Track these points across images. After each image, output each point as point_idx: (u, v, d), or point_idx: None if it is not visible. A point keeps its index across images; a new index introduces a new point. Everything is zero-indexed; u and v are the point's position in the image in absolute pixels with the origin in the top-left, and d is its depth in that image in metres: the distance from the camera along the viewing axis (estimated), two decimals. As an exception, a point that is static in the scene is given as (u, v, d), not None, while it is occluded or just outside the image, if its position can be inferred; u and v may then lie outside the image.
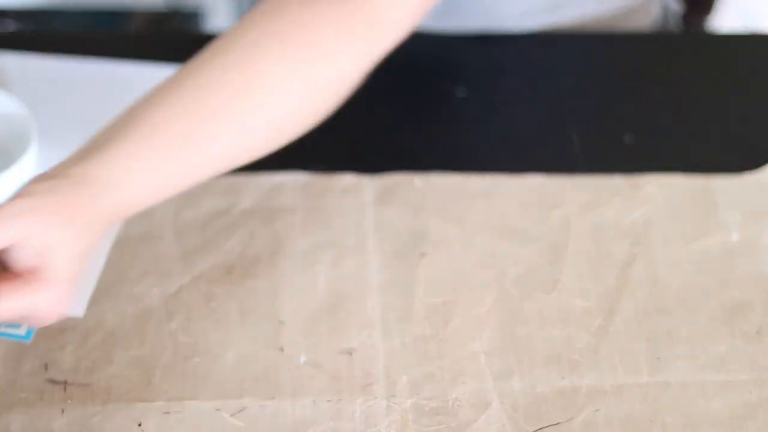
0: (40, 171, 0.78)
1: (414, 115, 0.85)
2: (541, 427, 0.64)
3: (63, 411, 0.64)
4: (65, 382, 0.66)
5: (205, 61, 0.65)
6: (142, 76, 0.85)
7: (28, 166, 0.77)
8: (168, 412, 0.64)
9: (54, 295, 0.58)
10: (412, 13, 0.70)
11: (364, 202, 0.77)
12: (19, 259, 0.57)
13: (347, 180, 0.78)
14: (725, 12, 1.17)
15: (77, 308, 0.69)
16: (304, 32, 0.65)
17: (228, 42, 0.66)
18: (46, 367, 0.66)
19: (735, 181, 0.79)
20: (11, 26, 1.36)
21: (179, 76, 0.65)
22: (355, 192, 0.77)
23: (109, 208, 0.60)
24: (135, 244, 0.73)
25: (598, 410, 0.65)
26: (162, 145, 0.62)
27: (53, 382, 0.66)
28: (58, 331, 0.68)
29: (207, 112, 0.63)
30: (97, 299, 0.70)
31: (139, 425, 0.64)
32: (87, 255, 0.59)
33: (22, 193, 0.59)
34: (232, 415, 0.64)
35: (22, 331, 0.68)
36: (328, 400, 0.65)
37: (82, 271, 0.60)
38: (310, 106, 0.67)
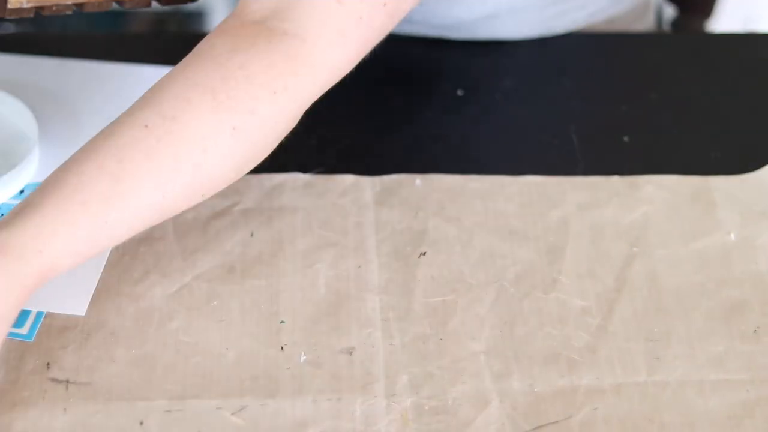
0: (41, 172, 0.78)
1: (414, 115, 0.85)
2: (539, 425, 0.65)
3: (65, 410, 0.65)
4: (67, 381, 0.66)
5: (129, 116, 0.65)
6: (142, 77, 0.85)
7: (29, 167, 0.77)
8: (169, 411, 0.65)
9: None
10: (347, 56, 0.68)
11: (364, 202, 0.77)
12: None
13: (347, 180, 0.78)
14: (723, 16, 1.17)
15: (79, 308, 0.69)
16: (229, 83, 0.65)
17: (153, 95, 0.65)
18: (48, 366, 0.67)
19: (734, 181, 0.79)
20: (11, 28, 1.36)
21: (104, 133, 0.65)
22: (355, 192, 0.78)
23: (28, 275, 0.60)
24: (136, 244, 0.73)
25: (596, 409, 0.66)
26: (81, 208, 0.61)
27: (55, 381, 0.66)
28: (60, 331, 0.68)
29: (127, 173, 0.63)
30: (98, 299, 0.70)
31: (141, 424, 0.64)
32: (7, 321, 0.60)
33: None
34: (232, 414, 0.65)
35: (24, 330, 0.68)
36: (328, 399, 0.66)
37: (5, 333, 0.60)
38: (234, 160, 0.66)
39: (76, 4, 0.72)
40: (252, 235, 0.75)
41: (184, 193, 0.65)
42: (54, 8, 0.71)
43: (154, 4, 0.75)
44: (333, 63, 0.68)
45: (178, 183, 0.64)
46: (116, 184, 0.62)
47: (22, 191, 0.77)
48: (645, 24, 1.02)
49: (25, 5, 0.69)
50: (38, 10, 0.70)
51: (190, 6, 0.76)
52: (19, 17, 0.70)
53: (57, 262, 0.61)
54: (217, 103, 0.64)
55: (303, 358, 0.68)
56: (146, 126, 0.64)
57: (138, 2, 0.75)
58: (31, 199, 0.62)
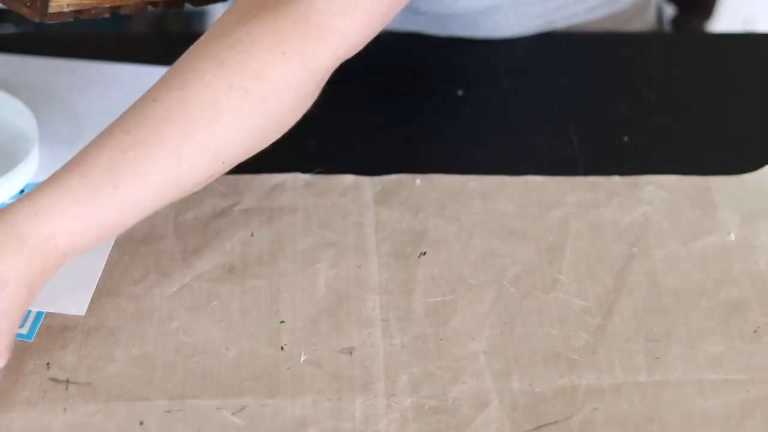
0: (41, 172, 0.78)
1: (414, 115, 0.85)
2: (539, 425, 0.65)
3: (65, 410, 0.65)
4: (67, 381, 0.66)
5: (140, 98, 0.64)
6: (142, 77, 0.85)
7: (29, 167, 0.77)
8: (169, 411, 0.65)
9: None
10: (358, 25, 0.67)
11: (364, 202, 0.77)
12: None
13: (347, 180, 0.78)
14: (723, 16, 1.17)
15: (79, 308, 0.69)
16: (235, 49, 0.64)
17: (164, 75, 0.65)
18: (48, 366, 0.67)
19: (733, 181, 0.79)
20: (11, 28, 1.36)
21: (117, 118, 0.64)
22: (355, 192, 0.78)
23: (35, 262, 0.60)
24: (136, 244, 0.73)
25: (596, 409, 0.66)
26: (83, 179, 0.61)
27: (55, 381, 0.66)
28: (60, 331, 0.68)
29: (134, 142, 0.62)
30: (98, 299, 0.70)
31: (141, 424, 0.64)
32: (17, 306, 0.60)
33: None
34: (232, 414, 0.65)
35: (24, 330, 0.68)
36: (328, 399, 0.66)
37: (14, 322, 0.61)
38: (249, 126, 0.65)
39: (113, 7, 0.72)
40: (252, 235, 0.75)
41: (200, 160, 0.64)
42: (92, 11, 0.71)
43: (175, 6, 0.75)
44: (344, 30, 0.66)
45: (192, 150, 0.63)
46: (123, 153, 0.61)
47: (22, 191, 0.77)
48: (645, 20, 1.02)
49: (66, 9, 0.69)
50: (77, 14, 0.70)
51: (191, 6, 0.76)
52: (60, 21, 0.70)
53: (59, 238, 0.60)
54: (224, 69, 0.64)
55: (303, 358, 0.68)
56: (155, 100, 0.63)
57: (172, 3, 0.75)
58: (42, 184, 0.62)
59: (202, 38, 0.66)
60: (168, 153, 0.62)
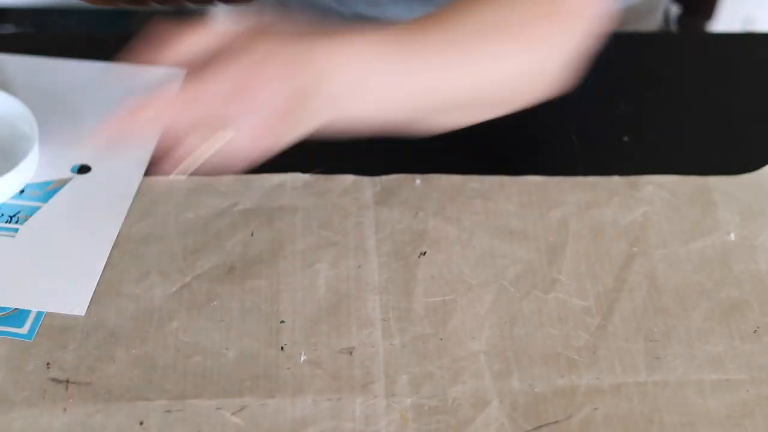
0: (41, 172, 0.78)
1: (414, 115, 0.85)
2: (539, 425, 0.65)
3: (65, 410, 0.65)
4: (67, 381, 0.66)
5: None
6: (142, 77, 0.85)
7: (29, 167, 0.77)
8: (169, 411, 0.65)
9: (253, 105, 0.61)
10: (600, 17, 0.71)
11: (364, 202, 0.77)
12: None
13: (347, 180, 0.78)
14: (723, 16, 1.17)
15: (79, 308, 0.69)
16: (510, 17, 0.68)
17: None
18: (48, 365, 0.67)
19: (733, 181, 0.79)
20: (11, 29, 1.36)
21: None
22: (355, 192, 0.78)
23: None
24: (136, 244, 0.73)
25: (596, 409, 0.66)
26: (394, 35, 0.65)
27: (55, 380, 0.66)
28: (60, 331, 0.68)
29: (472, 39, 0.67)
30: (98, 299, 0.70)
31: (141, 424, 0.64)
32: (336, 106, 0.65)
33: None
34: (232, 414, 0.65)
35: (24, 330, 0.68)
36: (328, 399, 0.66)
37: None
38: (529, 81, 0.70)
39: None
40: (252, 235, 0.75)
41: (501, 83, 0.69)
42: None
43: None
44: (592, 15, 0.71)
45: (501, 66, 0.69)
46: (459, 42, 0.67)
47: (22, 191, 0.77)
48: (655, 19, 1.01)
49: None
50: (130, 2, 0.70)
51: (191, 6, 0.75)
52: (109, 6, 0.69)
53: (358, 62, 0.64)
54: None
55: (303, 358, 0.68)
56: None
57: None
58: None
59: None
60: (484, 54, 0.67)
